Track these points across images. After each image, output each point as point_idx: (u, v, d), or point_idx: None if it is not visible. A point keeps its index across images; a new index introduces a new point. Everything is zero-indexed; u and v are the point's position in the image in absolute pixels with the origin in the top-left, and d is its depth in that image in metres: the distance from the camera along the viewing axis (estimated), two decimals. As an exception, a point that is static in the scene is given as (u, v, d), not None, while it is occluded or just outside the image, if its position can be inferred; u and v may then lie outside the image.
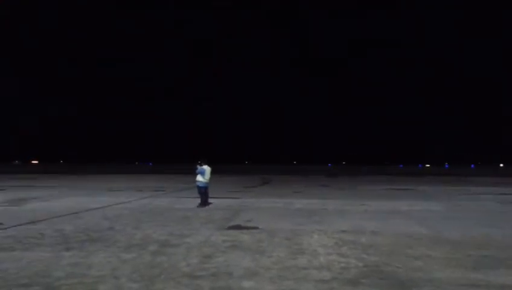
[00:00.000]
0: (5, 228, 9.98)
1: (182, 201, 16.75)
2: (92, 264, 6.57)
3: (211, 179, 15.26)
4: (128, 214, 12.61)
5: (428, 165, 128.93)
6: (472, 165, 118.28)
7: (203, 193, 14.91)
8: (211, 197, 15.61)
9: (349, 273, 6.20)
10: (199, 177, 14.84)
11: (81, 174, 46.50)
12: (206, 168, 14.89)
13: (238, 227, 10.41)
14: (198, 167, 14.89)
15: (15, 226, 10.32)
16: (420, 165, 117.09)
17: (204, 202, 14.78)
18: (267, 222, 11.29)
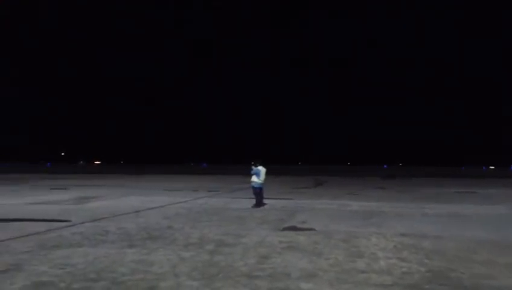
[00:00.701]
0: (73, 225, 10.55)
1: (237, 201, 16.94)
2: (154, 262, 6.78)
3: (265, 179, 15.32)
4: (186, 214, 12.92)
5: (492, 167, 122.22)
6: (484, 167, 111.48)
7: (258, 193, 14.99)
8: (265, 198, 15.66)
9: (411, 279, 5.98)
10: (254, 178, 14.94)
11: (140, 175, 48.31)
12: (261, 169, 14.96)
13: (294, 228, 10.36)
14: (253, 168, 15.00)
15: (81, 223, 10.89)
16: (484, 168, 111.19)
17: (259, 203, 14.86)
18: (322, 223, 11.16)
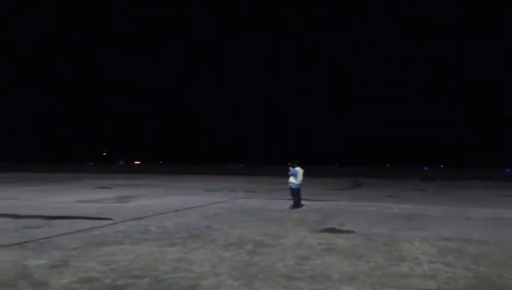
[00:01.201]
0: (115, 223, 10.87)
1: (274, 202, 16.94)
2: (194, 261, 6.88)
3: (303, 180, 15.26)
4: (224, 214, 13.05)
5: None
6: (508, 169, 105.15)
7: (296, 194, 14.94)
8: (303, 199, 15.59)
9: (457, 284, 5.79)
10: (292, 179, 14.90)
11: (178, 175, 49.17)
12: (299, 170, 14.90)
13: (333, 230, 10.26)
14: (291, 168, 14.96)
15: (123, 221, 11.20)
16: (508, 170, 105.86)
17: (296, 204, 14.81)
18: (362, 225, 10.99)
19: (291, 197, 15.14)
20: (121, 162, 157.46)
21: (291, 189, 15.01)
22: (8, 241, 8.30)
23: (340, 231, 10.08)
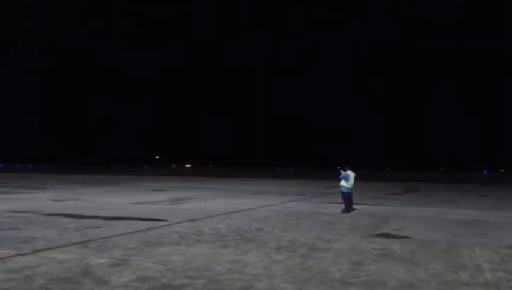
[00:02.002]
0: (170, 225, 11.18)
1: (325, 206, 16.76)
2: (247, 263, 6.95)
3: (354, 184, 15.00)
4: (275, 217, 13.07)
5: None
6: None
7: (347, 198, 14.71)
8: (354, 203, 15.31)
9: (524, 295, 5.47)
10: (343, 183, 14.68)
11: (228, 178, 49.81)
12: (350, 173, 14.66)
13: (387, 235, 10.00)
14: (342, 172, 14.75)
15: (177, 223, 11.49)
16: None
17: (348, 208, 14.57)
18: (418, 231, 10.63)
19: (342, 201, 14.92)
20: (173, 165, 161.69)
21: (343, 193, 14.79)
22: (71, 240, 8.76)
23: (395, 237, 9.81)
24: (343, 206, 14.78)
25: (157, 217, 12.52)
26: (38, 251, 7.65)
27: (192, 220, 12.16)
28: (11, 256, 7.18)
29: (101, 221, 11.64)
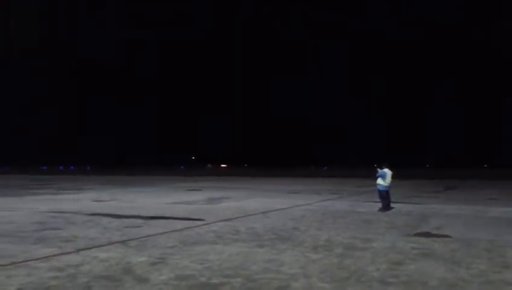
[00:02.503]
0: (207, 224, 11.32)
1: (362, 204, 16.52)
2: (284, 262, 6.94)
3: (391, 182, 14.70)
4: (311, 216, 12.99)
5: None
6: None
7: (384, 196, 14.44)
8: (392, 202, 15.00)
9: None
10: (380, 181, 14.43)
11: (263, 177, 49.92)
12: (387, 171, 14.38)
13: (427, 234, 9.74)
14: (379, 170, 14.50)
15: (214, 222, 11.63)
16: None
17: (386, 206, 14.30)
18: (458, 230, 10.31)
19: (379, 200, 14.67)
20: (209, 165, 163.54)
21: (380, 191, 14.54)
22: (112, 239, 9.03)
23: (435, 235, 9.56)
24: (380, 204, 14.53)
25: (194, 217, 12.70)
26: (81, 249, 7.93)
27: (229, 219, 12.26)
28: (55, 255, 7.47)
29: (140, 221, 11.93)
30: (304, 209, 15.08)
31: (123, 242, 8.68)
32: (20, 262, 6.88)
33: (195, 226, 10.86)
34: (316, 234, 9.73)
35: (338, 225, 11.20)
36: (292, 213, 13.75)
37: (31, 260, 7.01)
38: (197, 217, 12.58)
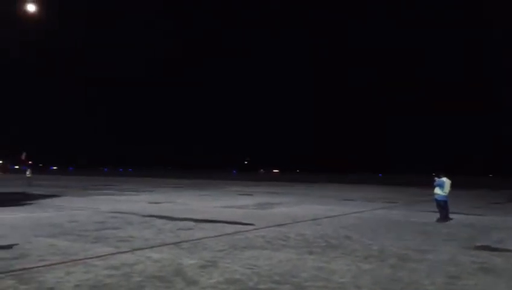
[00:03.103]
0: (257, 229, 11.36)
1: (418, 214, 15.90)
2: (334, 270, 6.82)
3: (450, 192, 14.04)
4: (363, 224, 12.68)
5: None
6: None
7: (442, 206, 13.81)
8: (451, 213, 14.31)
9: None
10: (437, 190, 13.83)
11: (315, 183, 49.42)
12: (446, 180, 13.76)
13: (488, 248, 9.20)
14: (437, 179, 13.90)
15: (264, 227, 11.64)
16: None
17: (444, 217, 13.67)
18: (524, 245, 9.65)
19: (437, 210, 14.05)
20: (261, 170, 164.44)
21: (437, 201, 13.93)
22: (165, 241, 9.28)
23: (497, 250, 9.00)
24: (438, 215, 13.91)
25: (245, 221, 12.79)
26: (136, 249, 8.21)
27: (279, 225, 12.23)
28: (112, 254, 7.79)
29: (192, 223, 12.18)
30: (356, 217, 14.75)
31: (176, 244, 8.89)
32: (79, 259, 7.23)
33: (245, 231, 10.93)
34: (368, 243, 9.47)
35: (392, 234, 10.85)
36: (344, 221, 13.49)
37: (89, 258, 7.35)
38: (247, 222, 12.65)
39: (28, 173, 35.21)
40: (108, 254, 7.71)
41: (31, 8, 20.43)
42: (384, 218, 14.56)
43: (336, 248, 8.80)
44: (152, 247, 8.52)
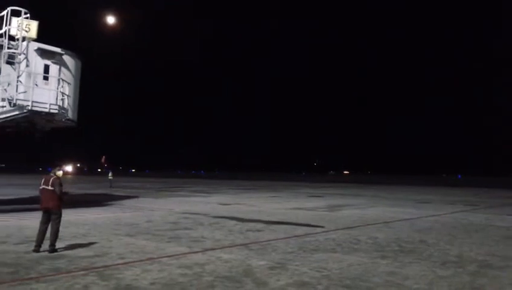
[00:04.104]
0: (327, 231, 11.20)
1: (503, 218, 14.81)
2: (408, 276, 6.53)
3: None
4: (440, 228, 12.04)
5: None
6: None
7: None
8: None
9: None
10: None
11: (388, 185, 47.79)
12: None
13: None
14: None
15: (334, 230, 11.45)
16: None
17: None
18: None
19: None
20: (331, 172, 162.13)
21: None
22: (235, 242, 9.44)
23: None
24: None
25: (314, 223, 12.67)
26: (207, 250, 8.43)
27: (349, 227, 11.97)
28: (185, 253, 8.06)
29: (261, 225, 12.29)
30: (433, 220, 14.03)
31: (245, 245, 9.02)
32: (155, 258, 7.57)
33: (315, 233, 10.82)
34: (446, 248, 8.97)
35: (472, 239, 10.19)
36: (419, 224, 12.89)
37: (164, 257, 7.67)
38: (317, 224, 12.52)
39: (110, 175, 37.52)
40: (181, 254, 8.00)
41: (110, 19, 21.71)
42: (463, 222, 13.71)
43: (410, 252, 8.43)
44: (222, 247, 8.70)
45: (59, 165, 8.45)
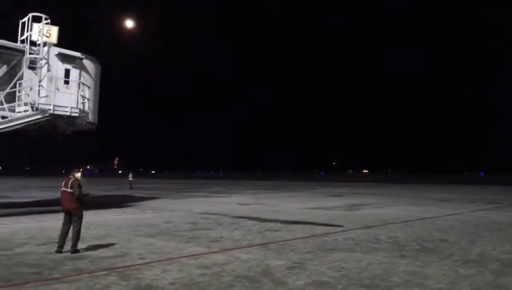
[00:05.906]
0: (345, 231, 11.13)
1: (526, 216, 14.47)
2: (428, 275, 6.45)
3: None
4: (461, 227, 11.85)
5: None
6: None
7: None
8: None
9: None
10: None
11: (408, 184, 47.20)
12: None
13: None
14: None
15: (353, 229, 11.37)
16: None
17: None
18: None
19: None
20: (350, 171, 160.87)
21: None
22: (253, 241, 9.46)
23: None
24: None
25: (333, 223, 12.60)
26: (226, 250, 8.48)
27: (368, 227, 11.88)
28: (204, 253, 8.12)
29: (280, 224, 12.28)
30: (454, 219, 13.81)
31: (263, 245, 9.03)
32: (174, 258, 7.65)
33: (334, 233, 10.76)
34: (468, 247, 8.83)
35: (494, 238, 10.00)
36: (440, 223, 12.70)
37: (183, 257, 7.74)
38: (336, 223, 12.45)
39: (130, 176, 38.00)
40: (200, 254, 8.06)
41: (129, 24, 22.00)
42: (486, 220, 13.46)
43: (431, 251, 8.32)
44: (241, 247, 8.73)
45: (78, 167, 8.60)
